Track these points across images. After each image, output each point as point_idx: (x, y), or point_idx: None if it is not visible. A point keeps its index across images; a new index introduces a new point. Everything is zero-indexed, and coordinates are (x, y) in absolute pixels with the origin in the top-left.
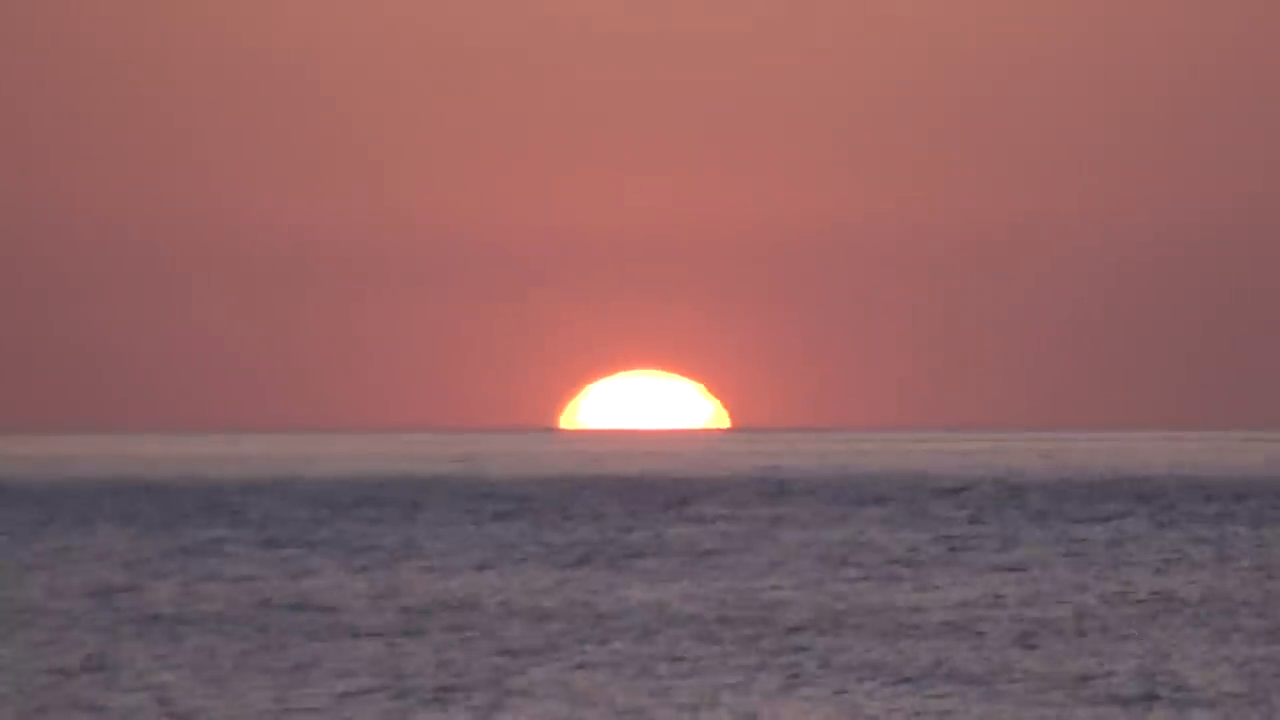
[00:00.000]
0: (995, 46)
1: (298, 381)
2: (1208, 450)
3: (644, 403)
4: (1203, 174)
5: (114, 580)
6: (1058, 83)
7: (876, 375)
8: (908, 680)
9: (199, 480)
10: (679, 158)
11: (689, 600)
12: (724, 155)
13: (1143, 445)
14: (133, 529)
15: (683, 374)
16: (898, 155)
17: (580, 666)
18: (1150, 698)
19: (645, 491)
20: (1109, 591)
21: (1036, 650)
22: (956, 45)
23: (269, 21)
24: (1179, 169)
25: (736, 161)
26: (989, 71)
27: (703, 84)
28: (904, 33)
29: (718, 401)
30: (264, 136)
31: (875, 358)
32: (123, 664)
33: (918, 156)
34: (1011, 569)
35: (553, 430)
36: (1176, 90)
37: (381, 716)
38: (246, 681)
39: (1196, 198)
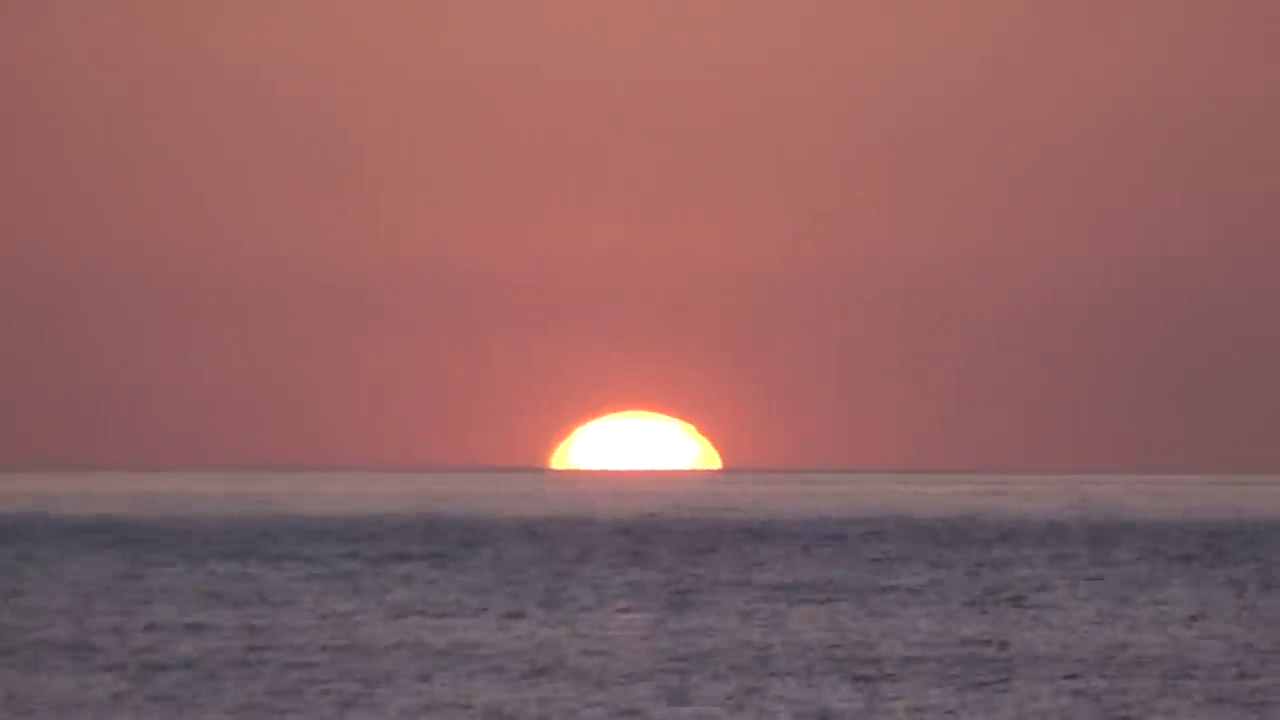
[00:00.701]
0: (966, 85)
1: (278, 419)
2: (1176, 493)
3: (635, 444)
4: (1156, 211)
5: (86, 619)
6: (1026, 121)
7: (868, 415)
8: None
9: (182, 519)
10: (670, 199)
11: (672, 638)
12: (714, 196)
13: (1146, 488)
14: (114, 567)
15: (674, 415)
16: (887, 196)
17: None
18: None
19: (634, 532)
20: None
21: (1006, 694)
22: (932, 82)
23: (266, 56)
24: (1132, 209)
25: (727, 202)
26: (968, 111)
27: (692, 124)
28: (884, 66)
29: (708, 442)
30: (246, 172)
31: (867, 398)
32: (94, 704)
33: (906, 197)
34: (986, 608)
35: (543, 471)
36: (1123, 130)
37: None
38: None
39: (1155, 233)
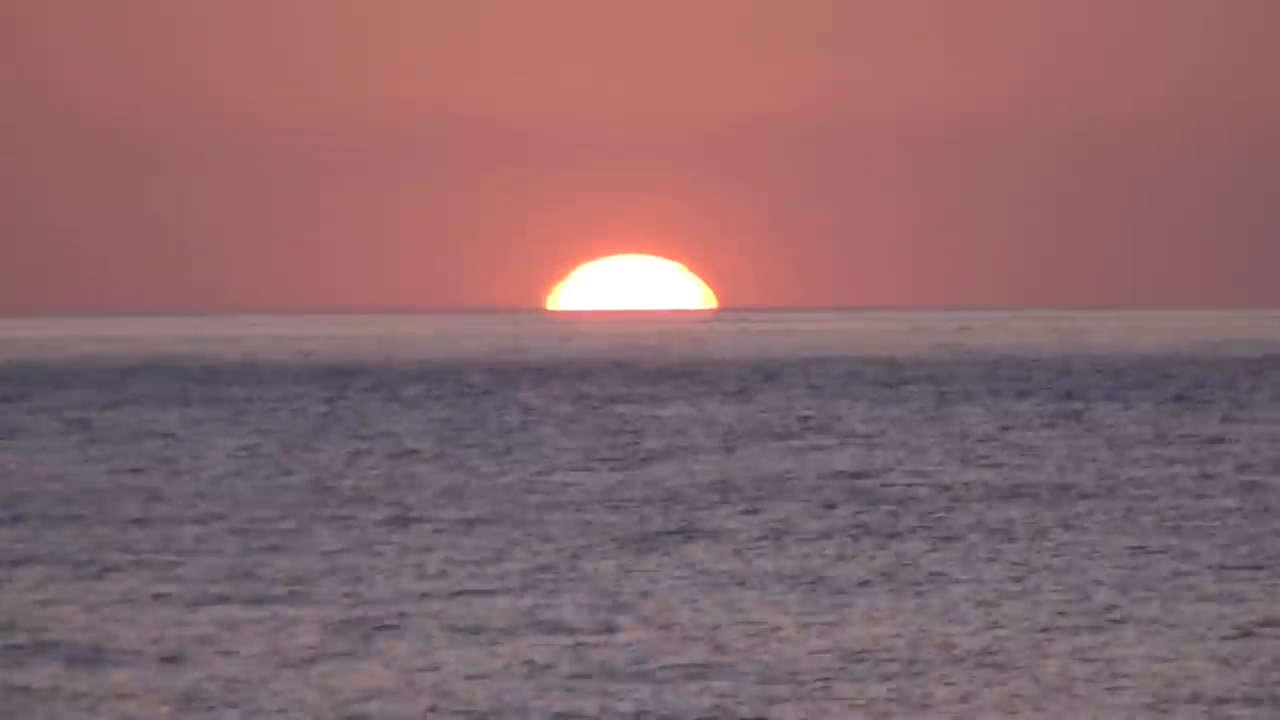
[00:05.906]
0: None
1: (289, 262)
2: (1170, 328)
3: (631, 285)
4: (1184, 58)
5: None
6: None
7: (855, 254)
8: (893, 537)
9: (162, 359)
10: (661, 43)
11: (679, 477)
12: (703, 40)
13: (1154, 321)
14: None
15: (669, 257)
16: (875, 38)
17: (555, 547)
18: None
19: (629, 372)
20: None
21: (997, 505)
22: None
23: None
24: (1156, 56)
25: (715, 46)
26: None
27: None
28: None
29: (702, 282)
30: (252, 22)
31: (853, 237)
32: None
33: (893, 40)
34: (985, 443)
35: (540, 311)
36: None
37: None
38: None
39: (1179, 81)
